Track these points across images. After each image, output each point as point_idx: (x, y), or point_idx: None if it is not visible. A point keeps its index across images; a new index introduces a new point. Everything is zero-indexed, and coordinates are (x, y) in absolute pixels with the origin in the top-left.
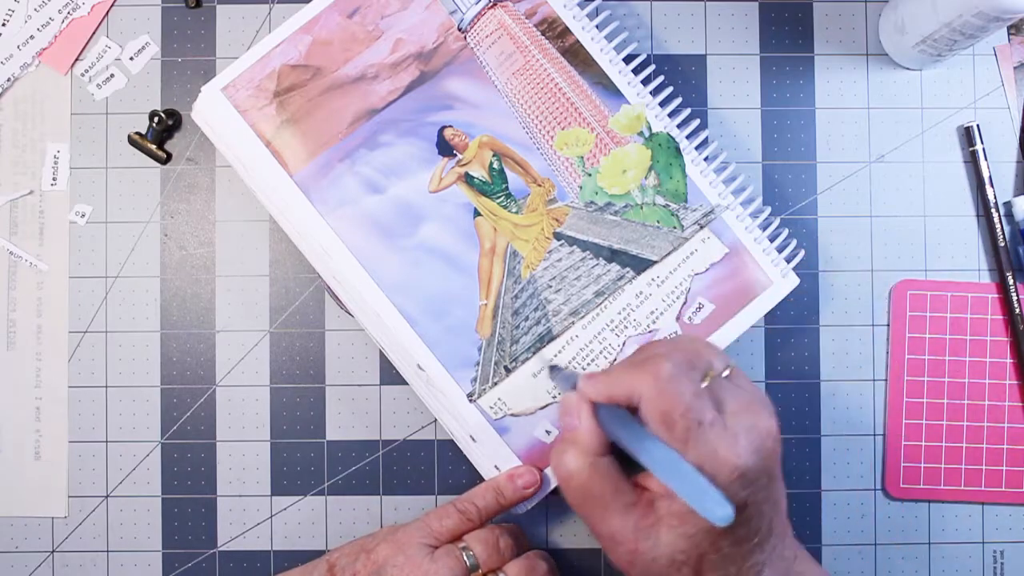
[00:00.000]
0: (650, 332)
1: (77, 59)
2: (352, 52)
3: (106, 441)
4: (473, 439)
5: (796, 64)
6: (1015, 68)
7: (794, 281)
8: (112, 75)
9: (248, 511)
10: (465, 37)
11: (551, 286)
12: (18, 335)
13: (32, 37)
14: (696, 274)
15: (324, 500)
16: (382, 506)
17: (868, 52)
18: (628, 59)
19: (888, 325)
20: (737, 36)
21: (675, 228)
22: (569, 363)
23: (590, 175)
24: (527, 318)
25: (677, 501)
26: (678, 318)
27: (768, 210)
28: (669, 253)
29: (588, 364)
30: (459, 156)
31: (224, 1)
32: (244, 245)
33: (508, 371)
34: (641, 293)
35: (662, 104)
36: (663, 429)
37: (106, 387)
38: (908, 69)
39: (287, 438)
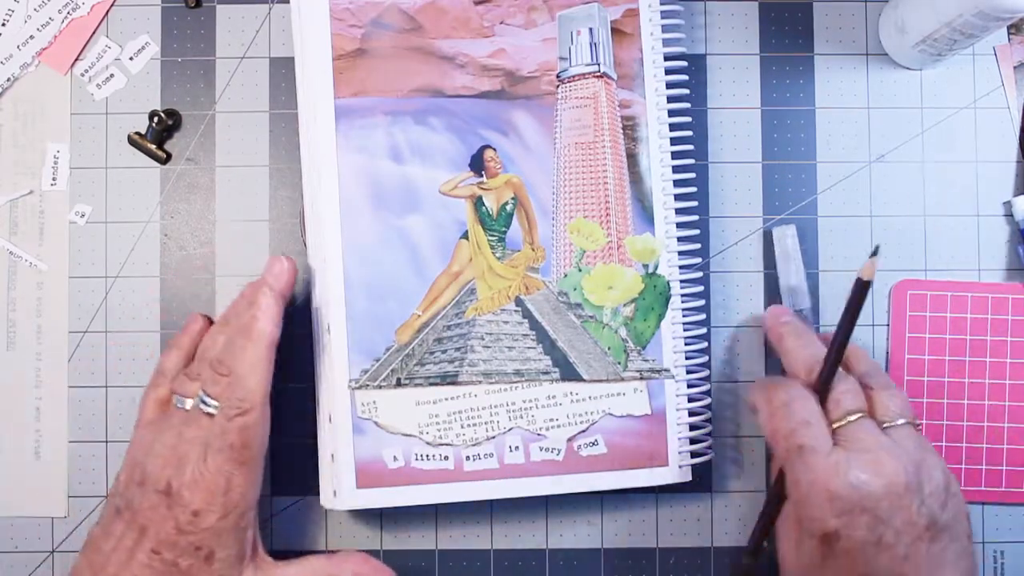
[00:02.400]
0: (538, 435)
1: (77, 59)
2: (457, 33)
3: (106, 441)
4: (330, 419)
5: (796, 64)
6: (1015, 68)
7: (686, 477)
8: (112, 75)
9: None
10: (558, 86)
11: (483, 339)
12: (18, 335)
13: (32, 37)
14: (609, 414)
15: None
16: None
17: (868, 52)
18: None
19: (888, 325)
20: (737, 36)
21: (619, 363)
22: (449, 415)
23: (580, 271)
24: (445, 351)
25: (790, 524)
26: (569, 439)
27: (709, 401)
28: (599, 381)
29: (464, 425)
30: (483, 179)
31: (224, 1)
32: (244, 245)
33: (399, 384)
34: (553, 397)
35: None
36: (771, 444)
37: (106, 387)
38: (908, 69)
39: (287, 438)
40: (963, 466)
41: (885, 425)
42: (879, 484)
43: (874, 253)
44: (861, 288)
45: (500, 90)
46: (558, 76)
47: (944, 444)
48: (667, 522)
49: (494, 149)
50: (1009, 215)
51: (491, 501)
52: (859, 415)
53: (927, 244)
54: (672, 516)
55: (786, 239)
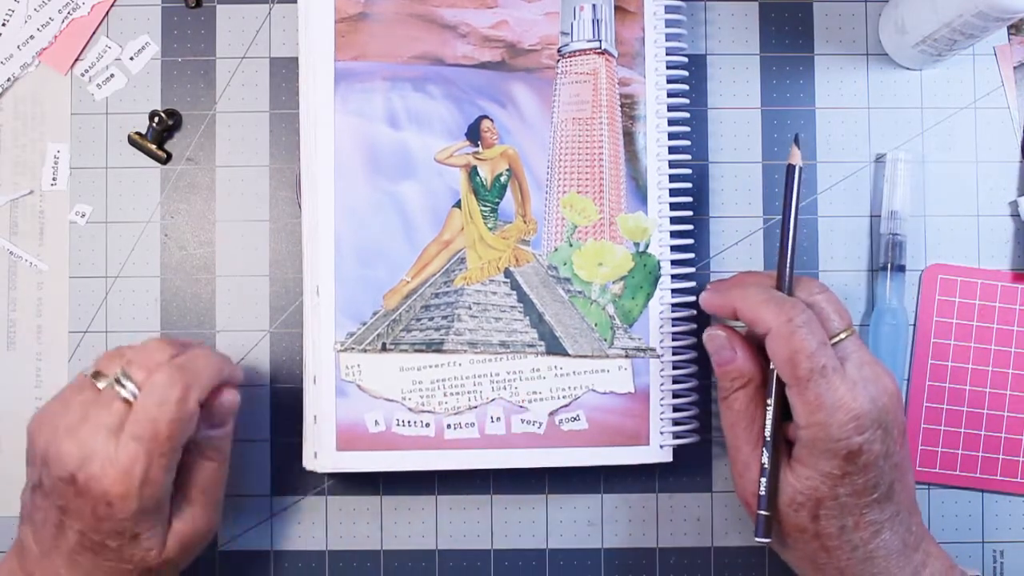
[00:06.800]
0: (521, 408)
1: (77, 59)
2: (461, 2)
3: None
4: (315, 381)
5: (796, 64)
6: (1015, 68)
7: (667, 457)
8: (112, 75)
9: (248, 511)
10: (558, 60)
11: (471, 309)
12: (18, 335)
13: (32, 37)
14: (592, 390)
15: (324, 500)
16: (382, 506)
17: (868, 52)
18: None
19: (916, 308)
20: (737, 36)
21: (604, 340)
22: (433, 382)
23: (571, 246)
24: (432, 319)
25: (802, 446)
26: (551, 413)
27: (695, 383)
28: (584, 357)
29: (447, 393)
30: (479, 149)
31: (224, 1)
32: (244, 245)
33: (384, 348)
34: (537, 370)
35: (672, 236)
36: (787, 367)
37: None
38: (908, 69)
39: (287, 437)
40: (980, 454)
41: (841, 338)
42: (886, 398)
43: (796, 141)
44: (790, 173)
45: (500, 61)
46: (559, 51)
47: (963, 430)
48: (667, 522)
49: (491, 120)
50: (1015, 215)
51: (492, 500)
52: (846, 333)
53: (927, 244)
54: (672, 516)
55: (898, 163)
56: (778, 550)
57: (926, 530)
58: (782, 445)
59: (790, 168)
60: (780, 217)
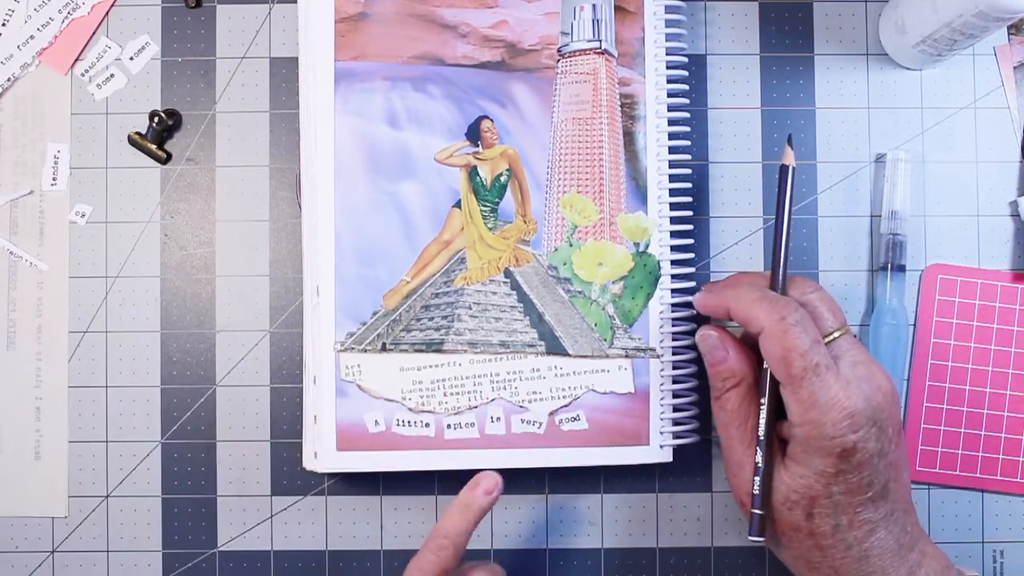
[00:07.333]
0: (521, 408)
1: (77, 59)
2: (461, 2)
3: (106, 441)
4: (315, 381)
5: (796, 64)
6: (1015, 68)
7: (667, 457)
8: (112, 75)
9: (248, 511)
10: (558, 60)
11: (471, 308)
12: (18, 335)
13: (32, 37)
14: (592, 390)
15: (324, 500)
16: (382, 506)
17: (868, 52)
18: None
19: (916, 308)
20: (737, 36)
21: (604, 340)
22: (433, 383)
23: (571, 246)
24: (432, 319)
25: (796, 445)
26: (551, 413)
27: (695, 383)
28: (584, 357)
29: (447, 393)
30: (479, 149)
31: (224, 1)
32: (244, 245)
33: (384, 348)
34: (537, 370)
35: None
36: (781, 366)
37: (106, 387)
38: (908, 69)
39: (287, 438)
40: (980, 454)
41: (835, 336)
42: (880, 397)
43: (789, 142)
44: (783, 173)
45: (500, 61)
46: (559, 50)
47: (963, 430)
48: (667, 522)
49: (491, 120)
50: (1015, 215)
51: None
52: (840, 331)
53: (927, 244)
54: (672, 516)
55: (898, 162)
56: (773, 549)
57: (922, 530)
58: (776, 444)
59: (783, 168)
60: (778, 219)
